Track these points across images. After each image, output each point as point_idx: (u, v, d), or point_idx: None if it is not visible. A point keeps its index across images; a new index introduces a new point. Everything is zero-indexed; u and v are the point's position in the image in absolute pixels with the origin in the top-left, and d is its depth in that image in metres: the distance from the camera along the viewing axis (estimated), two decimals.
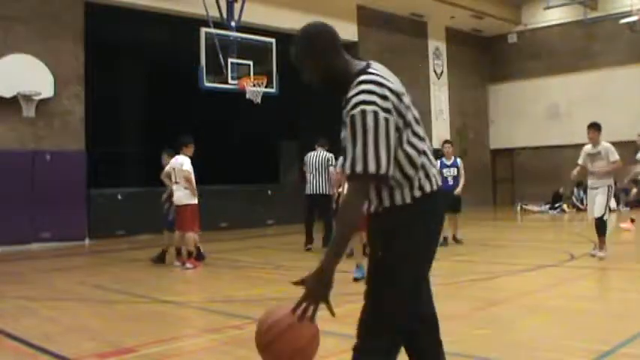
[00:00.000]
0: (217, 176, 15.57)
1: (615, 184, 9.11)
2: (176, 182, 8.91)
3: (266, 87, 13.74)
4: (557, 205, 19.63)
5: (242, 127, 18.06)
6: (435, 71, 22.36)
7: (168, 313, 6.13)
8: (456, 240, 10.69)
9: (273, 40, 14.54)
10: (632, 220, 13.08)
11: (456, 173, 10.74)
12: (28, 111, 12.50)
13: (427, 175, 2.45)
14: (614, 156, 8.44)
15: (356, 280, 7.01)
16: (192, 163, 8.91)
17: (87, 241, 13.33)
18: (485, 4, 21.54)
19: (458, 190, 10.64)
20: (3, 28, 12.48)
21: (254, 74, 13.77)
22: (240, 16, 13.96)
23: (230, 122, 18.32)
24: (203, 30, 12.85)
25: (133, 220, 13.78)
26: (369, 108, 2.26)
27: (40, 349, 4.58)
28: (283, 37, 15.97)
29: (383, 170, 2.25)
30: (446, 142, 11.45)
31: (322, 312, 2.56)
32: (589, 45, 21.77)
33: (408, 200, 2.42)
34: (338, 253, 2.39)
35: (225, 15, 13.72)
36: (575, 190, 19.14)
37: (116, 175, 16.09)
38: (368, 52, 19.85)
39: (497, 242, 11.32)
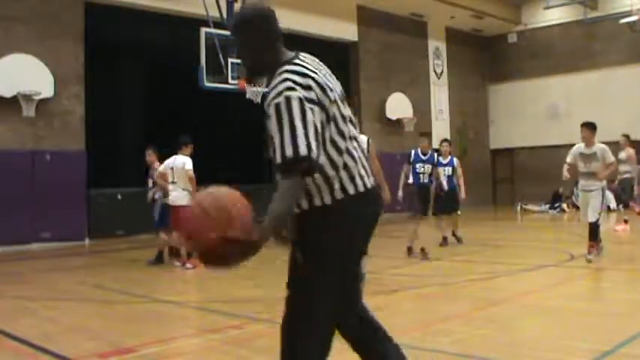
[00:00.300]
0: (218, 176, 15.56)
1: (613, 182, 8.96)
2: (173, 182, 8.89)
3: (266, 87, 13.74)
4: (556, 204, 19.62)
5: (242, 127, 18.06)
6: (435, 71, 22.35)
7: (168, 313, 6.13)
8: (456, 237, 10.76)
9: None
10: (626, 221, 13.06)
11: (450, 172, 10.76)
12: (28, 111, 12.50)
13: (351, 177, 2.35)
14: (611, 157, 8.22)
15: None
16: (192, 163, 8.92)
17: (87, 241, 13.34)
18: (485, 4, 21.54)
19: (462, 196, 10.72)
20: (3, 28, 12.48)
21: None
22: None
23: (230, 122, 18.32)
24: (203, 30, 12.84)
25: (133, 220, 13.77)
26: (293, 94, 2.22)
27: (40, 349, 4.58)
28: (283, 37, 15.98)
29: (314, 154, 2.18)
30: (444, 140, 11.46)
31: None
32: (589, 45, 21.77)
33: (328, 202, 2.32)
34: (273, 230, 2.30)
35: (225, 15, 13.71)
36: (575, 189, 19.11)
37: (116, 175, 16.08)
38: (368, 52, 19.88)
39: (497, 242, 11.31)
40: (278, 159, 2.18)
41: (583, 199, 8.41)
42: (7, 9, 12.54)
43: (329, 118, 2.32)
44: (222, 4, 13.66)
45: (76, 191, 13.14)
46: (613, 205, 18.83)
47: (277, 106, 2.21)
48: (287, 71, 2.30)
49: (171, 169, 8.94)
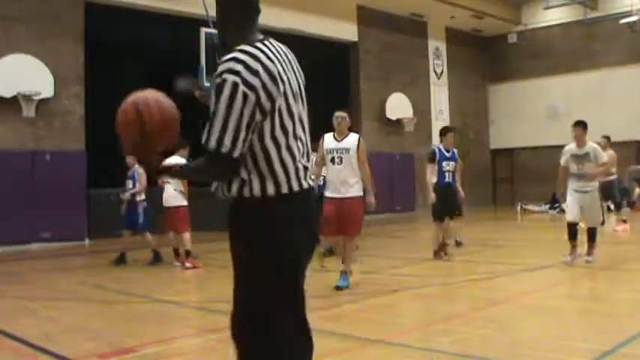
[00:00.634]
0: None
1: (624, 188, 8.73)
2: (167, 182, 8.94)
3: None
4: (556, 205, 19.61)
5: None
6: (435, 71, 22.35)
7: (168, 313, 6.12)
8: (456, 242, 10.31)
9: None
10: (625, 221, 13.03)
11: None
12: (28, 111, 12.50)
13: (287, 174, 2.26)
14: (604, 157, 8.01)
15: (338, 288, 6.63)
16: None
17: (87, 241, 13.33)
18: (485, 4, 21.54)
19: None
20: (3, 28, 12.48)
21: None
22: None
23: None
24: (203, 30, 12.83)
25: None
26: (230, 77, 2.14)
27: (40, 349, 4.58)
28: (283, 37, 15.97)
29: (225, 149, 2.13)
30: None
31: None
32: (589, 45, 21.77)
33: (257, 194, 2.24)
34: (177, 173, 2.78)
35: None
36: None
37: (116, 176, 16.07)
38: (368, 52, 19.87)
39: (497, 242, 11.31)
40: (203, 141, 2.18)
41: (576, 199, 7.95)
42: (7, 9, 12.54)
43: (273, 110, 2.22)
44: None
45: (76, 191, 13.14)
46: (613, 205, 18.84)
47: (216, 87, 2.17)
48: (241, 51, 2.21)
49: None
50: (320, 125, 6.39)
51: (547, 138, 22.17)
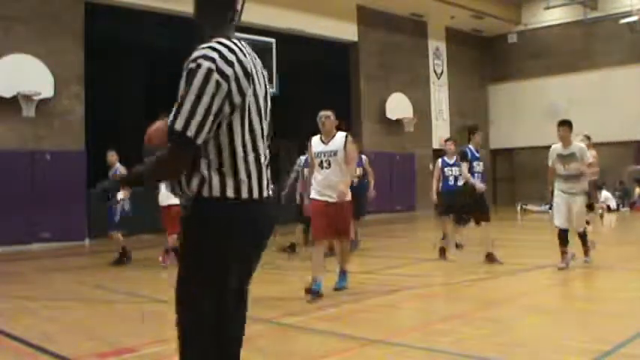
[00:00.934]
0: None
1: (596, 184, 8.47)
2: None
3: None
4: None
5: None
6: (435, 71, 22.35)
7: (168, 313, 6.11)
8: (457, 245, 10.17)
9: (273, 40, 14.54)
10: (587, 223, 12.88)
11: (458, 173, 9.86)
12: (28, 111, 12.50)
13: (249, 179, 2.20)
14: (590, 158, 7.74)
15: (337, 289, 6.55)
16: None
17: (87, 241, 13.33)
18: (485, 4, 21.54)
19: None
20: (3, 28, 12.48)
21: None
22: (240, 16, 13.93)
23: None
24: None
25: (133, 221, 13.75)
26: (205, 63, 2.10)
27: (39, 349, 4.58)
28: (283, 37, 15.99)
29: (190, 133, 2.07)
30: (447, 140, 10.75)
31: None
32: (589, 45, 21.77)
33: (216, 194, 2.17)
34: (130, 179, 2.45)
35: None
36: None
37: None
38: (368, 52, 19.88)
39: (498, 242, 11.28)
40: (169, 125, 2.12)
41: (563, 202, 7.68)
42: (7, 9, 12.54)
43: (243, 106, 2.17)
44: None
45: (75, 191, 13.14)
46: (613, 204, 18.85)
47: (188, 72, 2.13)
48: (218, 42, 2.18)
49: None
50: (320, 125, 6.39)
51: (547, 138, 22.03)
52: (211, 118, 2.10)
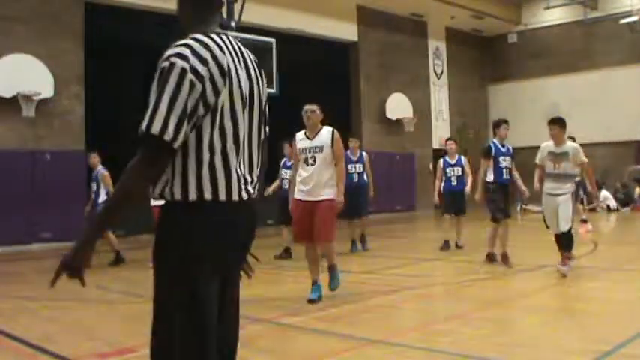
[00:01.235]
0: None
1: (584, 187, 7.97)
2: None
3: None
4: None
5: None
6: (435, 71, 22.36)
7: None
8: (457, 246, 10.17)
9: (273, 40, 14.52)
10: (585, 222, 12.74)
11: (460, 173, 10.22)
12: (28, 111, 12.50)
13: (214, 181, 2.03)
14: (583, 158, 7.38)
15: (332, 289, 6.09)
16: None
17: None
18: (485, 4, 21.54)
19: (467, 189, 10.05)
20: (3, 28, 12.49)
21: None
22: (240, 16, 13.97)
23: None
24: None
25: (133, 220, 13.77)
26: (179, 62, 1.98)
27: (39, 349, 4.58)
28: (283, 37, 15.98)
29: (168, 137, 1.92)
30: (448, 140, 10.85)
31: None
32: (589, 45, 21.77)
33: (178, 197, 2.03)
34: (105, 222, 2.06)
35: (225, 15, 13.72)
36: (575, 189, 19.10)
37: (116, 176, 16.10)
38: (368, 52, 19.88)
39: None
40: (142, 129, 1.96)
41: (548, 203, 7.43)
42: (7, 9, 12.55)
43: (216, 106, 2.02)
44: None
45: (75, 191, 13.13)
46: (613, 204, 18.84)
47: (161, 71, 2.00)
48: (192, 38, 2.06)
49: None
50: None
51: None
52: (186, 122, 1.96)
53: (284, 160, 9.95)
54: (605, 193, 19.21)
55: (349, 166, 9.98)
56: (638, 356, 4.07)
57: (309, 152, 6.00)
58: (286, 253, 9.69)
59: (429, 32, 22.07)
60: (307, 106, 6.10)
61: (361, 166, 10.21)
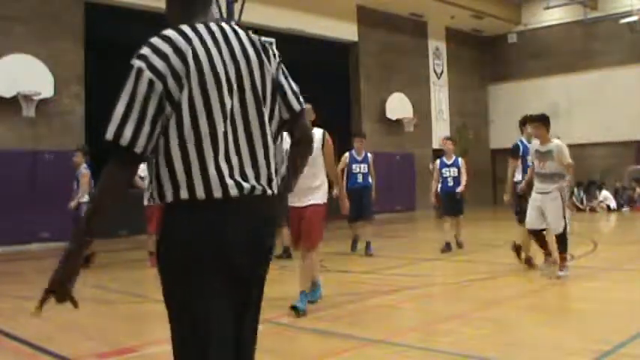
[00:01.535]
0: None
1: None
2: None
3: None
4: None
5: None
6: (435, 71, 22.36)
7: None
8: (457, 242, 10.12)
9: (273, 40, 14.50)
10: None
11: (456, 173, 10.00)
12: (28, 111, 12.50)
13: (189, 178, 1.87)
14: (568, 158, 7.15)
15: (294, 309, 5.45)
16: None
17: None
18: (485, 4, 21.55)
19: (460, 188, 9.87)
20: (3, 28, 12.49)
21: None
22: (240, 16, 13.97)
23: None
24: None
25: (134, 221, 13.77)
26: (137, 63, 1.89)
27: (39, 349, 4.58)
28: (283, 37, 15.98)
29: (124, 141, 1.82)
30: (446, 138, 10.57)
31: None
32: (589, 45, 21.77)
33: (170, 199, 1.91)
34: (82, 233, 2.03)
35: (225, 15, 13.71)
36: (575, 189, 19.12)
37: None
38: (368, 52, 19.88)
39: (498, 242, 11.30)
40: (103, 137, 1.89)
41: (535, 201, 7.24)
42: (7, 9, 12.55)
43: (181, 98, 1.87)
44: (222, 4, 13.67)
45: None
46: (613, 204, 18.84)
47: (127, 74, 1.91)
48: (158, 34, 1.94)
49: None
50: (321, 125, 6.36)
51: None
52: (148, 124, 1.84)
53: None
54: (605, 193, 19.22)
55: (354, 166, 9.91)
56: (638, 356, 4.07)
57: None
58: (285, 254, 9.66)
59: (429, 32, 22.07)
60: None
61: (366, 166, 10.01)
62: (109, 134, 1.85)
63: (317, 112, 6.06)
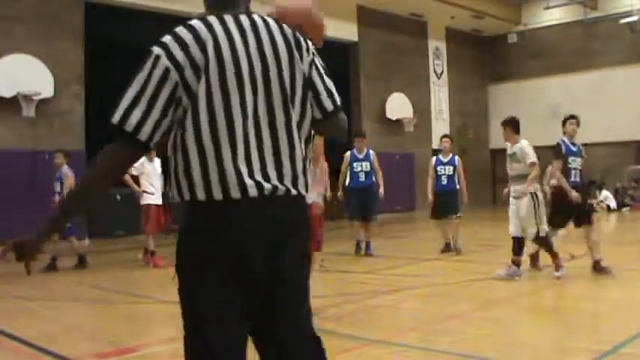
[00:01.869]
0: None
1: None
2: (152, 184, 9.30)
3: None
4: None
5: None
6: (435, 71, 22.36)
7: (168, 313, 6.11)
8: (455, 248, 9.81)
9: None
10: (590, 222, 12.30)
11: (451, 172, 9.85)
12: (28, 111, 12.50)
13: (206, 177, 1.78)
14: (531, 158, 7.03)
15: None
16: None
17: (87, 241, 13.31)
18: (485, 4, 21.54)
19: (463, 200, 9.81)
20: (3, 28, 12.48)
21: None
22: None
23: None
24: None
25: (133, 221, 13.78)
26: (155, 49, 1.82)
27: (40, 349, 4.58)
28: None
29: (129, 127, 1.77)
30: (444, 136, 10.42)
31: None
32: (589, 45, 21.77)
33: (187, 197, 1.83)
34: (65, 208, 1.94)
35: None
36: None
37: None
38: (368, 52, 19.87)
39: (497, 242, 11.30)
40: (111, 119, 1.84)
41: (511, 206, 7.31)
42: (7, 9, 12.54)
43: (199, 90, 1.79)
44: None
45: None
46: (613, 204, 18.84)
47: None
48: (184, 23, 1.87)
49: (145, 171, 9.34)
50: None
51: (547, 138, 22.04)
52: (158, 112, 1.77)
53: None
54: (605, 193, 19.22)
55: (355, 164, 9.86)
56: (638, 356, 4.07)
57: None
58: None
59: (429, 32, 22.06)
60: None
61: (368, 164, 9.90)
62: (115, 118, 1.80)
63: None
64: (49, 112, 13.04)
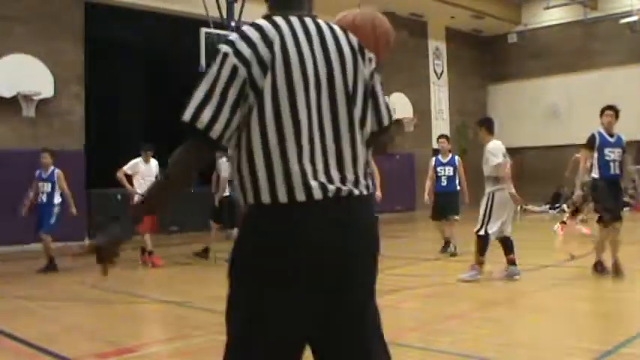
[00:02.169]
0: None
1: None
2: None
3: None
4: (557, 205, 19.62)
5: None
6: (435, 71, 22.35)
7: (168, 313, 6.12)
8: (452, 253, 9.64)
9: None
10: (564, 223, 12.30)
11: (451, 173, 9.86)
12: (28, 111, 12.51)
13: (271, 179, 1.75)
14: (494, 159, 6.98)
15: None
16: None
17: (87, 241, 13.32)
18: (485, 4, 21.54)
19: (465, 200, 9.78)
20: (3, 28, 12.48)
21: None
22: (240, 16, 13.96)
23: None
24: (203, 30, 12.83)
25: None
26: (223, 48, 1.82)
27: (40, 349, 4.58)
28: None
29: (201, 125, 1.76)
30: (441, 136, 10.38)
31: None
32: (589, 45, 21.77)
33: (251, 200, 1.80)
34: (148, 204, 1.90)
35: (225, 15, 13.71)
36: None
37: (116, 176, 16.11)
38: None
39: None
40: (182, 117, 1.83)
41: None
42: (7, 9, 12.54)
43: (264, 89, 1.78)
44: (222, 4, 13.67)
45: (75, 191, 13.08)
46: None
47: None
48: (251, 23, 1.91)
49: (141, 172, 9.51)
50: None
51: (547, 138, 22.19)
52: (228, 110, 1.76)
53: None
54: None
55: None
56: (638, 356, 4.07)
57: None
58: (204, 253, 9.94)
59: (429, 32, 22.06)
60: None
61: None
62: (187, 115, 1.79)
63: None
64: (49, 112, 13.04)
